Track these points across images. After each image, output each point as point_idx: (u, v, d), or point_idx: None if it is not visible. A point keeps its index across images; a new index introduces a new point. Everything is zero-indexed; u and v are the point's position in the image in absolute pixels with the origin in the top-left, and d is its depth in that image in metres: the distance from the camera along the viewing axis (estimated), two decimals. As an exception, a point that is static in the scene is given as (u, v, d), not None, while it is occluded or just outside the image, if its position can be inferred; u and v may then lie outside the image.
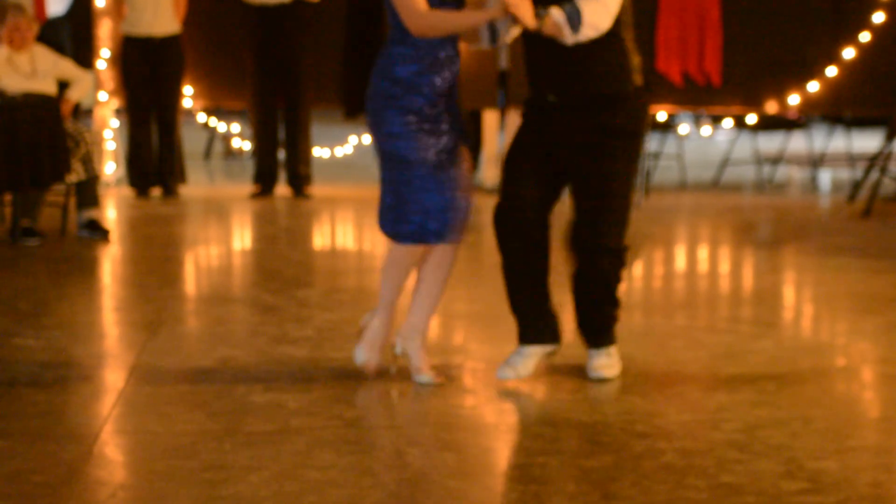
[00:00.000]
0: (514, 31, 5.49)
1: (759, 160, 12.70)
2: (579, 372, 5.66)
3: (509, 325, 6.40)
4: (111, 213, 10.55)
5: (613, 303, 5.57)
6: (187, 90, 11.87)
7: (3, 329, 6.44)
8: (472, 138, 12.42)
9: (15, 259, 8.48)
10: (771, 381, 5.53)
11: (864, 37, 11.68)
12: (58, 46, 10.05)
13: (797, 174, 13.62)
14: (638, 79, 5.47)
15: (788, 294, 7.86)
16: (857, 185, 11.25)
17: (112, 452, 4.64)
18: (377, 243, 9.78)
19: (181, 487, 4.21)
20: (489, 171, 11.87)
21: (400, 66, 5.36)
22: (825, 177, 13.37)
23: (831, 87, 11.80)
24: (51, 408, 5.12)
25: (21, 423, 4.88)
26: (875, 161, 10.95)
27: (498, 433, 4.92)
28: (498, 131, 12.00)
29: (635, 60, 5.47)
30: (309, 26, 11.44)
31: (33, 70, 9.20)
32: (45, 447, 4.59)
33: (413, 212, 5.34)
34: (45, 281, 7.80)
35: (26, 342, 6.17)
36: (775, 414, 5.05)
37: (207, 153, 14.88)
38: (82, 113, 11.16)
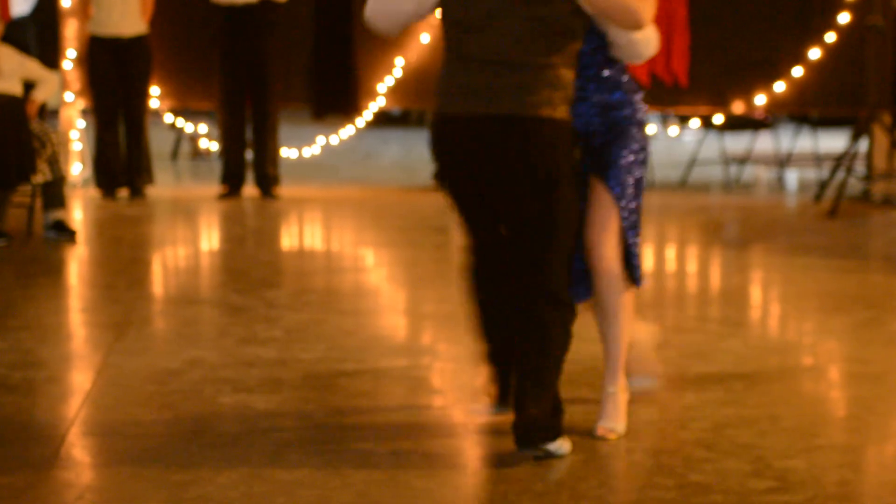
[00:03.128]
0: None
1: (727, 160, 12.74)
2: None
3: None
4: (78, 214, 10.50)
5: None
6: (154, 91, 11.83)
7: (-32, 331, 6.41)
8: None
9: (-19, 260, 8.43)
10: (739, 380, 5.55)
11: (830, 37, 11.73)
12: (23, 47, 9.99)
13: (764, 174, 13.66)
14: None
15: (756, 293, 7.89)
16: (823, 185, 11.29)
17: (79, 454, 4.62)
18: (345, 244, 9.77)
19: (149, 489, 4.19)
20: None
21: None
22: (792, 177, 13.42)
23: (798, 87, 11.85)
24: (17, 409, 5.09)
25: (-13, 426, 4.86)
26: (841, 161, 11.00)
27: (466, 433, 4.92)
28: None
29: None
30: (277, 26, 11.41)
31: (-1, 70, 9.15)
32: (10, 450, 4.56)
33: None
34: (11, 282, 7.75)
35: (-8, 344, 6.14)
36: (743, 413, 5.07)
37: (175, 154, 14.83)
38: (48, 113, 11.10)
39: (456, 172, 4.66)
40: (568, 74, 4.59)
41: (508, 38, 4.52)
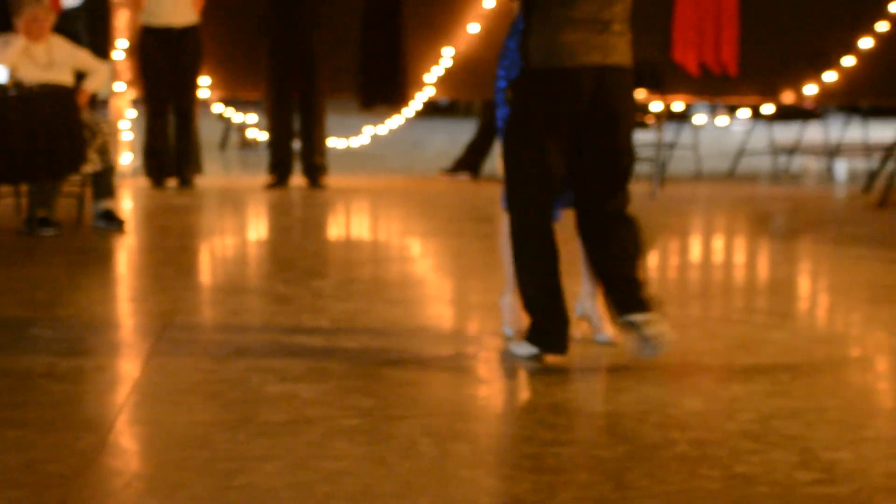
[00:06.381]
0: None
1: (775, 150, 12.68)
2: (593, 362, 5.66)
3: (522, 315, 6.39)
4: (127, 204, 10.57)
5: None
6: (203, 81, 11.89)
7: (19, 319, 6.46)
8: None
9: (31, 249, 8.50)
10: (786, 371, 5.52)
11: (882, 26, 11.64)
12: (74, 37, 10.07)
13: (813, 164, 13.59)
14: None
15: (803, 284, 7.85)
16: (872, 176, 11.22)
17: (127, 442, 4.65)
18: (392, 233, 9.78)
19: (196, 477, 4.22)
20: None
21: None
22: (841, 167, 13.33)
23: (848, 77, 11.78)
24: (66, 397, 5.13)
25: (36, 413, 4.90)
26: (891, 151, 10.93)
27: (511, 423, 4.92)
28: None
29: None
30: (325, 16, 11.44)
31: (50, 61, 9.22)
32: (59, 437, 4.60)
33: None
34: (60, 271, 7.82)
35: (42, 332, 6.19)
36: (790, 404, 5.04)
37: (223, 144, 14.90)
38: (99, 103, 11.19)
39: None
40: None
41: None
